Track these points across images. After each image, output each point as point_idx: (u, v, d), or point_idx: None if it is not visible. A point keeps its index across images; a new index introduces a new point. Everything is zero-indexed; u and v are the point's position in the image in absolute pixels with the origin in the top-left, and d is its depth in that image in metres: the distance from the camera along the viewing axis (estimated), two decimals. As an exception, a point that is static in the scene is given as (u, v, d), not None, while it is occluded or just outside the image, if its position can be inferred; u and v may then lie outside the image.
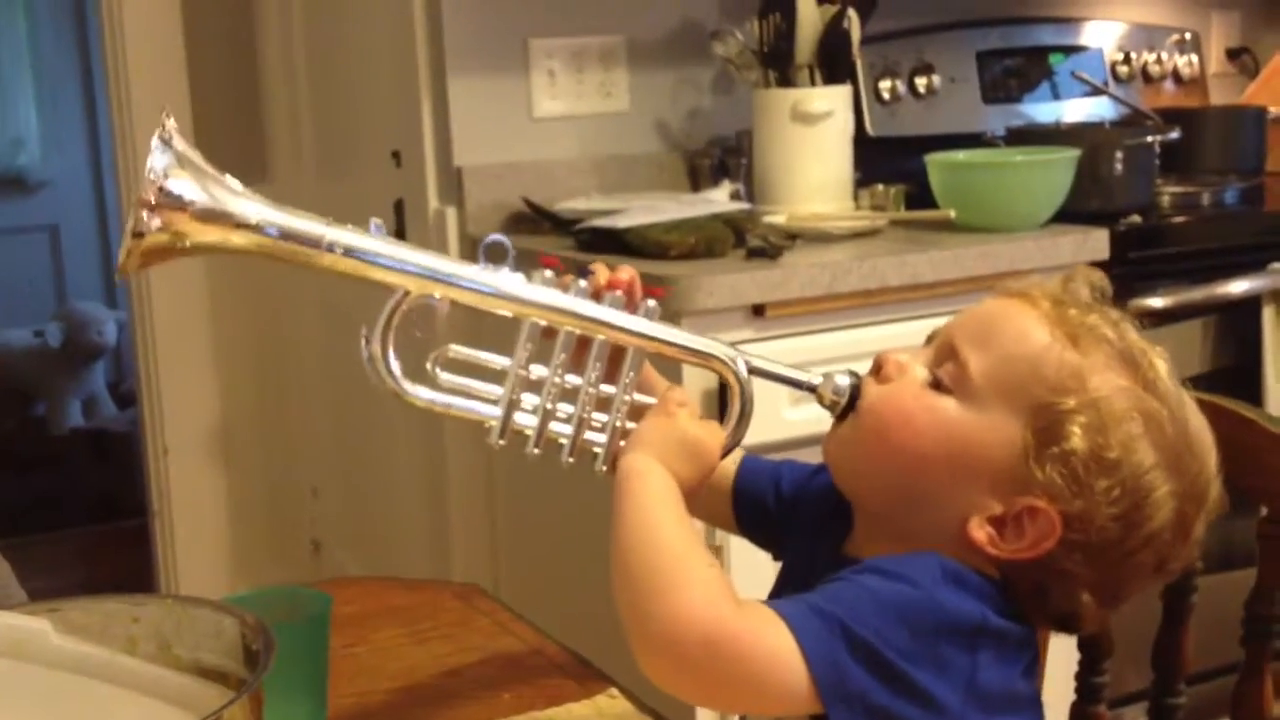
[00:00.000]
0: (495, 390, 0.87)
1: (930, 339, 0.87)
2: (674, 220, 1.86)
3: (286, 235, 0.85)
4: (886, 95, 2.35)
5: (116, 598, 0.86)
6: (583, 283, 0.88)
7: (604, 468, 0.87)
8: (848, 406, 0.86)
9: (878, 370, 0.86)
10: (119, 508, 3.69)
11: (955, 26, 2.43)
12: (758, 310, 1.73)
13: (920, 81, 2.37)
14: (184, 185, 0.82)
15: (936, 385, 0.83)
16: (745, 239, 1.84)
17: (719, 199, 2.06)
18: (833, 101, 2.04)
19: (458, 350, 0.89)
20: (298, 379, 2.84)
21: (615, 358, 0.88)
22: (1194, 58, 2.67)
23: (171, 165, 0.82)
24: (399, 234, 2.33)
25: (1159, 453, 0.79)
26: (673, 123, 2.30)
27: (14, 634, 0.79)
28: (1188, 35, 2.68)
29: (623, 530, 0.80)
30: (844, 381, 0.86)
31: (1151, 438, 0.79)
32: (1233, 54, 2.82)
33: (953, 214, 1.94)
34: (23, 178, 4.79)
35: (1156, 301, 1.87)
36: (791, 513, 0.96)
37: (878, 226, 1.98)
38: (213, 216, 0.82)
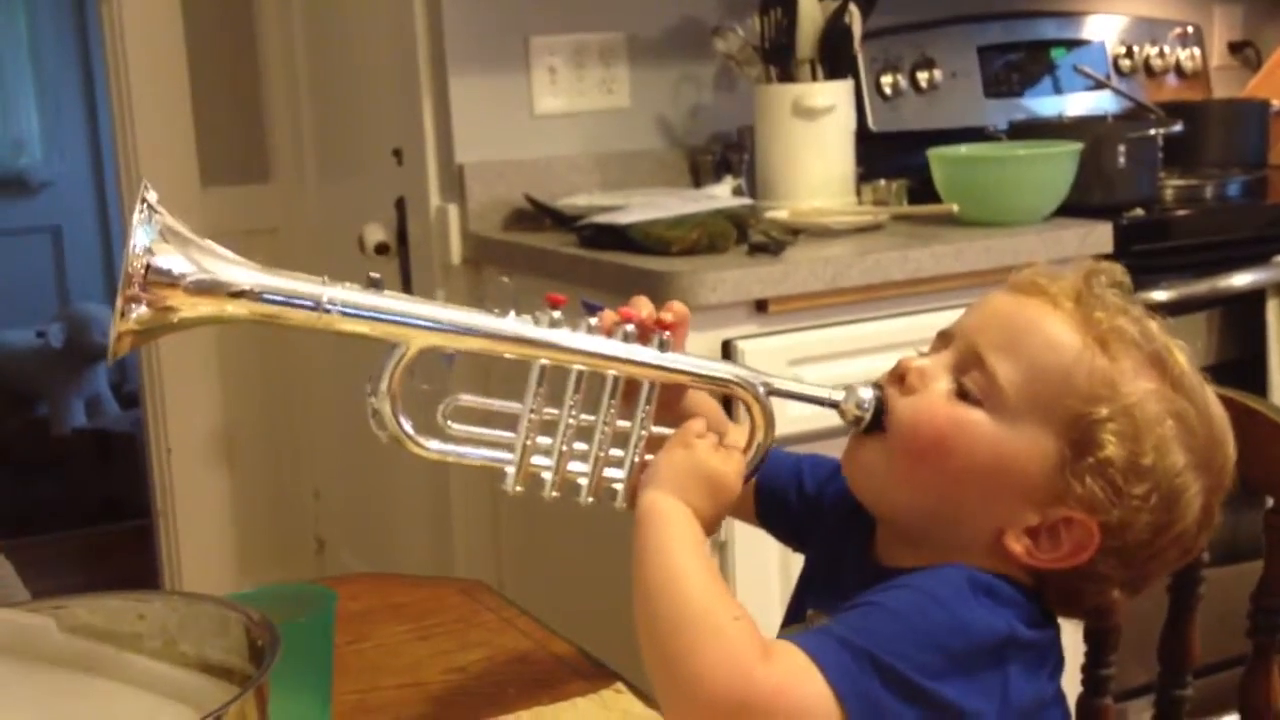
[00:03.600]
0: (508, 435, 0.85)
1: (943, 337, 0.85)
2: (676, 216, 1.85)
3: (284, 299, 0.81)
4: (888, 90, 2.34)
5: (121, 595, 0.86)
6: (593, 320, 0.85)
7: (624, 504, 0.86)
8: (873, 421, 0.84)
9: (900, 379, 0.83)
10: (122, 508, 3.70)
11: (956, 21, 2.43)
12: (760, 306, 1.72)
13: (922, 76, 2.37)
14: (173, 260, 0.78)
15: (963, 395, 0.81)
16: (748, 235, 1.83)
17: (721, 195, 2.06)
18: (834, 97, 2.04)
19: (468, 399, 0.87)
20: (301, 379, 2.84)
21: (630, 392, 0.86)
22: (1196, 51, 2.67)
23: (156, 240, 0.77)
24: (401, 234, 2.33)
25: (1190, 454, 0.79)
26: (674, 119, 2.30)
27: (18, 631, 0.79)
28: (1190, 28, 2.68)
29: (645, 580, 0.79)
30: (867, 394, 0.83)
31: (1183, 439, 0.79)
32: (1235, 47, 2.82)
33: (955, 208, 1.94)
34: (25, 179, 4.80)
35: (1160, 295, 1.87)
36: (814, 510, 0.96)
37: (880, 221, 1.97)
38: (206, 289, 0.78)
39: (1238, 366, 1.99)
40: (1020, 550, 0.79)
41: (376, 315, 0.82)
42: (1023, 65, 2.48)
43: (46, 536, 3.65)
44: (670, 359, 0.86)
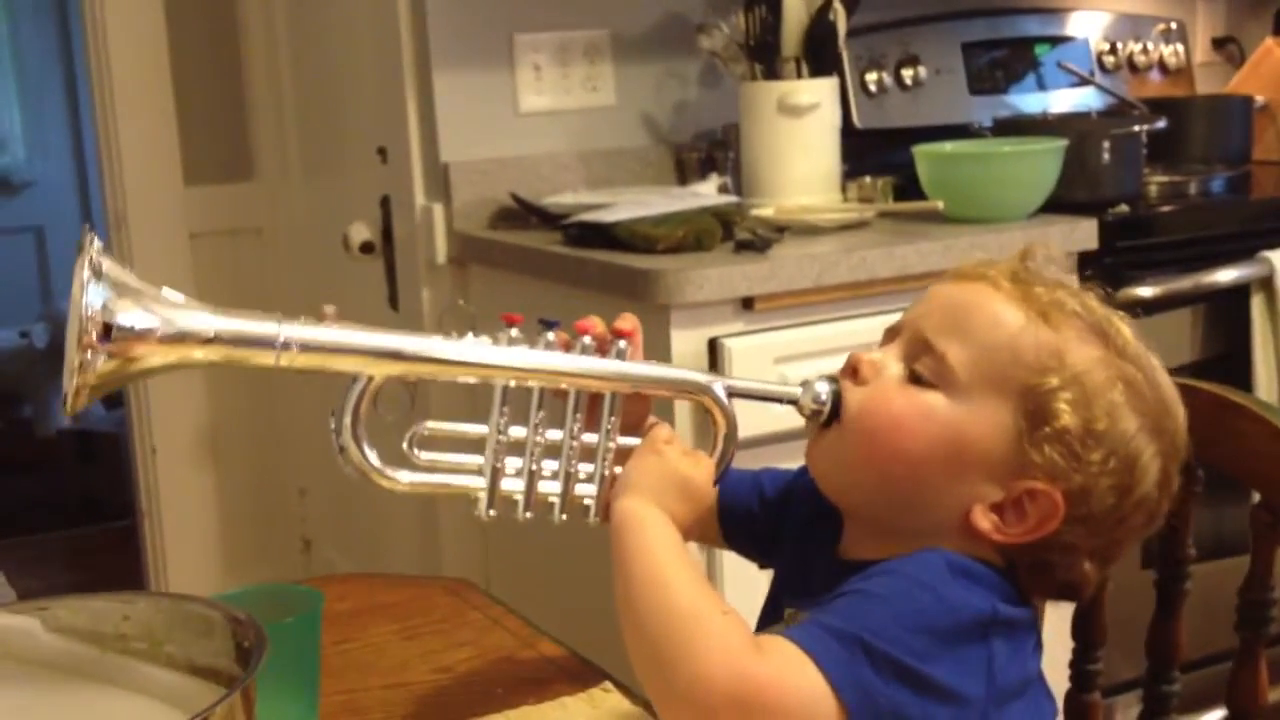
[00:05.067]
0: (477, 460, 0.85)
1: (890, 332, 0.86)
2: (662, 214, 1.85)
3: (239, 341, 0.78)
4: (873, 87, 2.35)
5: (106, 596, 0.85)
6: (550, 335, 0.85)
7: (597, 519, 0.86)
8: (831, 414, 0.84)
9: (853, 372, 0.84)
10: (107, 509, 3.68)
11: (941, 18, 2.43)
12: (747, 303, 1.72)
13: (906, 73, 2.37)
14: (133, 316, 0.76)
15: (916, 380, 0.82)
16: (733, 232, 1.83)
17: (707, 192, 2.06)
18: (819, 94, 2.04)
19: (433, 426, 0.85)
20: (285, 377, 2.83)
21: (594, 405, 0.86)
22: (1180, 47, 2.68)
23: (110, 297, 0.76)
24: (386, 232, 2.33)
25: (1141, 417, 0.80)
26: (659, 116, 2.30)
27: (3, 633, 0.79)
28: (1173, 25, 2.68)
29: (629, 584, 0.78)
30: (824, 388, 0.84)
31: (1133, 404, 0.80)
32: (1218, 43, 2.83)
33: (941, 205, 1.94)
34: (7, 179, 4.78)
35: (1145, 291, 1.87)
36: (778, 518, 0.96)
37: (866, 218, 1.97)
38: (170, 340, 0.77)
39: (1222, 362, 2.00)
40: (988, 527, 0.80)
41: (336, 349, 0.80)
42: (1007, 62, 2.48)
43: (31, 537, 3.64)
44: (629, 367, 0.86)
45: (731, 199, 2.01)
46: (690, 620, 0.75)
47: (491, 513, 0.85)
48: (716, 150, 2.22)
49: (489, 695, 1.00)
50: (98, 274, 0.76)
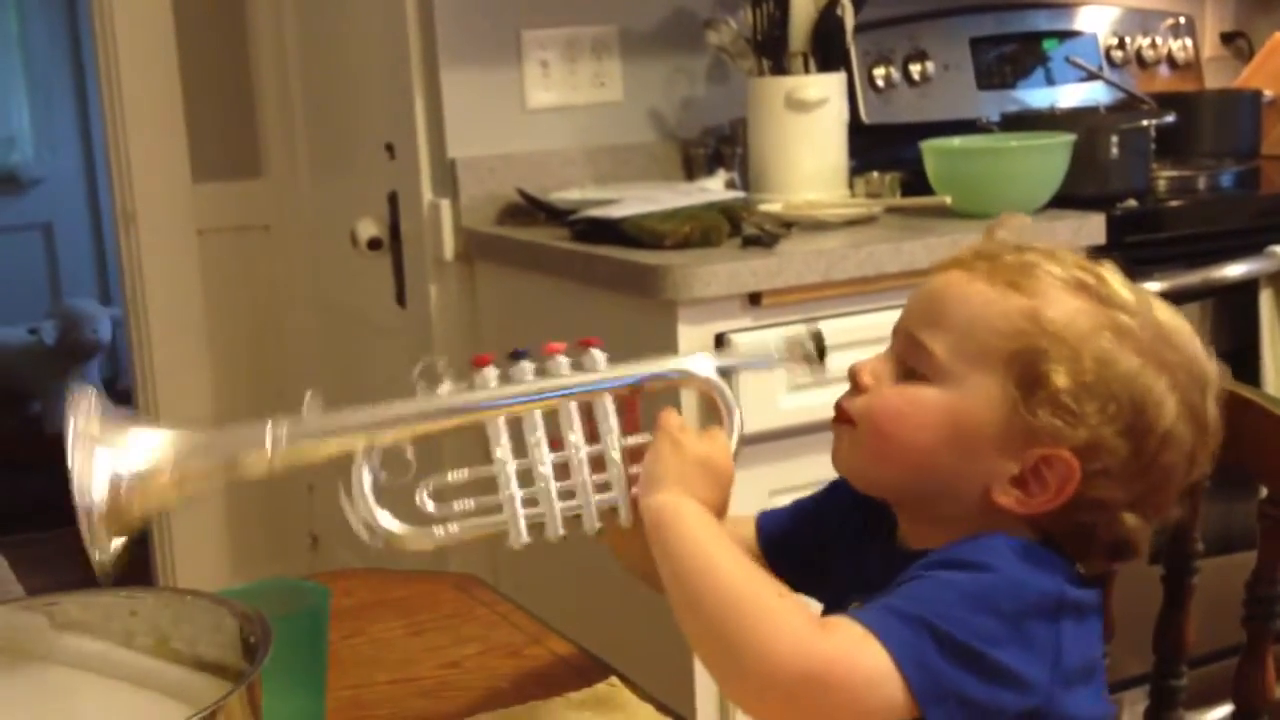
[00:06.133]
0: (493, 499, 0.86)
1: (891, 336, 0.88)
2: (669, 209, 1.85)
3: (231, 458, 0.82)
4: (881, 82, 2.34)
5: (113, 591, 0.86)
6: (524, 363, 0.86)
7: (629, 520, 0.86)
8: (819, 352, 0.87)
9: (855, 384, 0.86)
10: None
11: (949, 13, 2.43)
12: (754, 299, 1.72)
13: (914, 68, 2.37)
14: (126, 485, 0.77)
15: (911, 376, 0.83)
16: (741, 227, 1.83)
17: (714, 188, 2.06)
18: (827, 89, 2.04)
19: (440, 479, 0.86)
20: (293, 375, 2.84)
21: (590, 415, 0.87)
22: (1188, 42, 2.67)
23: (126, 472, 0.77)
24: (393, 228, 2.33)
25: (1140, 356, 0.80)
26: (667, 112, 2.30)
27: (11, 629, 0.79)
28: (1182, 19, 2.68)
29: (680, 579, 0.79)
30: (801, 330, 0.88)
31: (1127, 345, 0.80)
32: (1227, 38, 2.82)
33: (948, 200, 1.94)
34: (16, 176, 4.78)
35: (1153, 285, 1.86)
36: (822, 525, 0.96)
37: (873, 213, 1.97)
38: (173, 482, 0.80)
39: (1231, 357, 1.98)
40: (1011, 502, 0.80)
41: (321, 437, 0.83)
42: (1015, 57, 2.48)
43: (40, 534, 3.65)
44: (618, 369, 0.87)
45: (739, 194, 2.01)
46: (749, 604, 0.76)
47: (526, 540, 0.86)
48: (724, 146, 2.22)
49: (496, 691, 1.00)
50: (103, 442, 0.77)
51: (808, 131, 2.03)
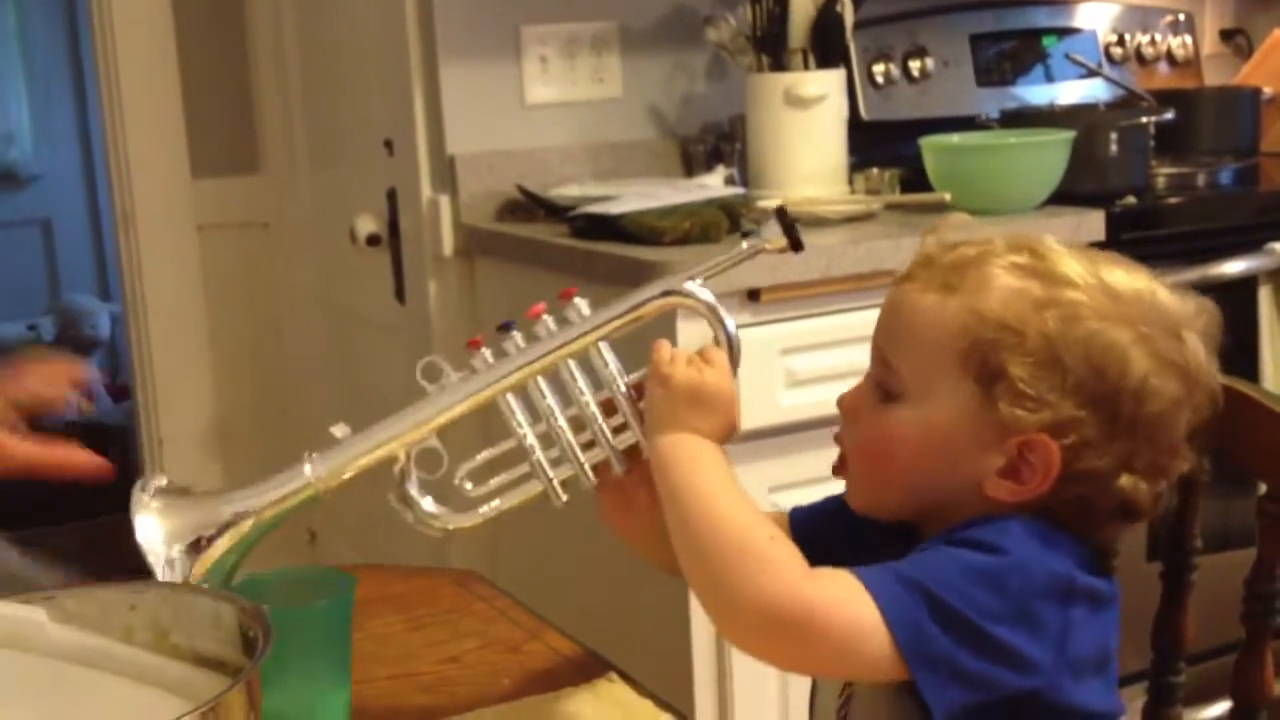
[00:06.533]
0: (524, 468, 0.91)
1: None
2: (668, 206, 1.85)
3: (283, 501, 0.91)
4: (880, 79, 2.34)
5: (113, 586, 0.86)
6: (515, 333, 0.90)
7: (651, 454, 0.88)
8: (789, 227, 0.91)
9: (844, 416, 0.87)
10: (115, 501, 3.68)
11: (948, 10, 2.43)
12: (753, 295, 1.72)
13: (914, 65, 2.37)
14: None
15: (889, 396, 0.84)
16: (740, 224, 1.83)
17: (713, 184, 2.06)
18: (826, 85, 2.04)
19: (471, 463, 0.92)
20: (293, 370, 2.84)
21: (590, 367, 0.90)
22: (1188, 39, 2.67)
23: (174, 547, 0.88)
24: (392, 225, 2.33)
25: (1092, 319, 0.79)
26: (666, 108, 2.29)
27: (10, 624, 0.79)
28: (1181, 16, 2.68)
29: (678, 517, 0.81)
30: (769, 223, 0.90)
31: (1077, 311, 0.79)
32: (1226, 35, 2.82)
33: (948, 197, 1.94)
34: (14, 172, 4.78)
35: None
36: (858, 528, 0.96)
37: (872, 210, 1.97)
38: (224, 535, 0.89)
39: (1229, 353, 1.98)
40: (1005, 494, 0.81)
41: (356, 459, 0.92)
42: (1014, 54, 2.47)
43: (38, 530, 3.65)
44: (600, 313, 0.90)
45: (738, 191, 2.01)
46: (740, 544, 0.77)
47: (564, 498, 0.91)
48: (723, 142, 2.22)
49: (495, 686, 1.00)
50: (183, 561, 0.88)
51: (807, 128, 2.03)
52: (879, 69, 2.34)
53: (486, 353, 0.90)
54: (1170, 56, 2.64)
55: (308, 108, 2.72)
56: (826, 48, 2.05)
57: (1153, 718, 1.11)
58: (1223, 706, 1.09)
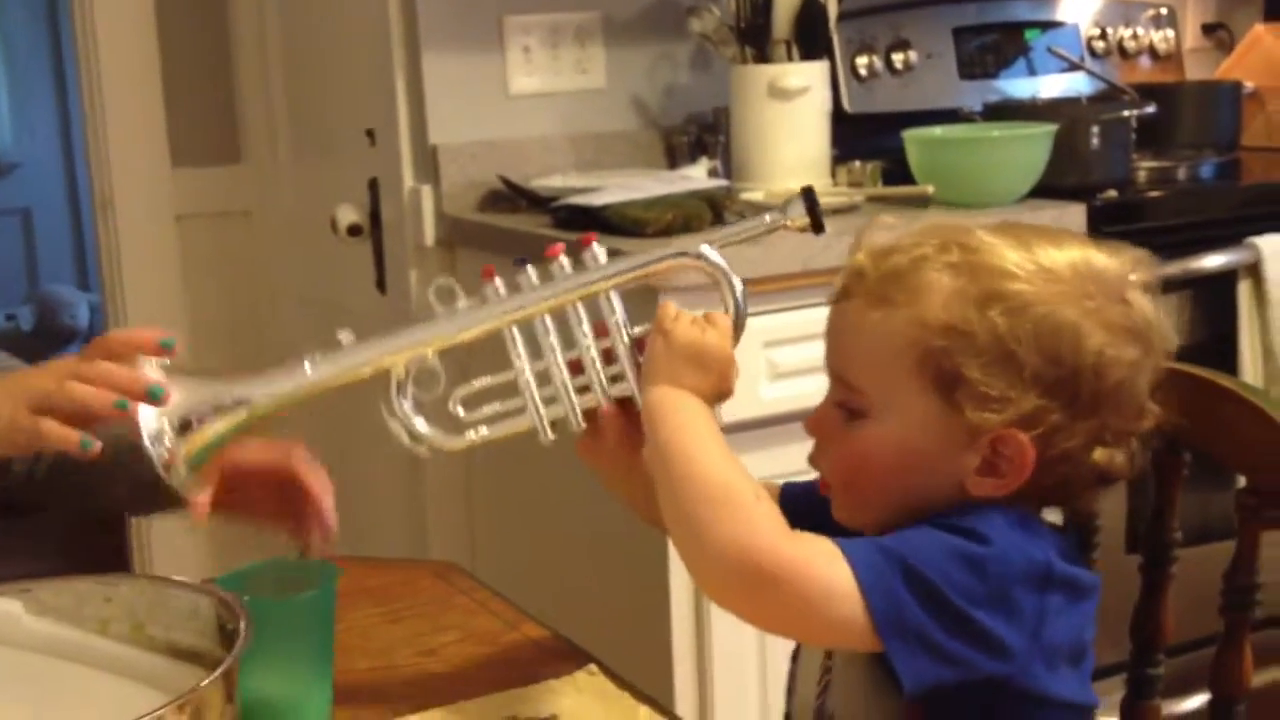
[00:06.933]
0: (517, 402, 0.92)
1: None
2: (651, 198, 1.85)
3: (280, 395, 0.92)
4: (863, 71, 2.34)
5: (89, 578, 0.85)
6: (529, 268, 0.91)
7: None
8: (813, 207, 0.90)
9: (813, 437, 0.87)
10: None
11: (931, 2, 2.43)
12: (735, 287, 1.72)
13: (897, 57, 2.37)
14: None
15: (854, 414, 0.83)
16: (723, 216, 1.83)
17: (696, 176, 2.05)
18: (809, 77, 2.03)
19: (468, 388, 0.93)
20: (272, 361, 2.82)
21: (596, 314, 0.91)
22: (1170, 33, 2.68)
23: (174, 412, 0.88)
24: (374, 215, 2.32)
25: (1037, 306, 0.79)
26: (649, 99, 2.29)
27: (-16, 615, 0.78)
28: (1164, 10, 2.68)
29: (664, 470, 0.82)
30: (794, 203, 0.91)
31: (1020, 298, 0.79)
32: (1208, 29, 2.82)
33: (930, 190, 1.94)
34: (-6, 160, 4.76)
35: (1132, 276, 1.87)
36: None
37: (855, 203, 1.97)
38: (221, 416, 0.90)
39: (1209, 347, 2.00)
40: (989, 489, 0.81)
41: (358, 364, 0.91)
42: (997, 47, 2.48)
43: (18, 523, 3.63)
44: (615, 263, 0.92)
45: (721, 183, 2.00)
46: (722, 496, 0.78)
47: (553, 438, 0.92)
48: (706, 134, 2.22)
49: (475, 678, 1.00)
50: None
51: (790, 120, 2.03)
52: (862, 61, 2.34)
53: (499, 282, 0.91)
54: (1152, 50, 2.65)
55: (289, 97, 2.71)
56: (810, 40, 2.05)
57: (1131, 710, 1.12)
58: (1202, 699, 1.10)
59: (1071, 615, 0.79)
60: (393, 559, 1.27)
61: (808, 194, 0.91)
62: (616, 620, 1.82)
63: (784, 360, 1.73)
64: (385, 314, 2.32)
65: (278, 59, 2.71)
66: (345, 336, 0.91)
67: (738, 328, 0.91)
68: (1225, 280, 1.98)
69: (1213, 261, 1.96)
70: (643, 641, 1.78)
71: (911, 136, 2.01)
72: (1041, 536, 0.80)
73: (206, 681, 0.68)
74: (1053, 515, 0.88)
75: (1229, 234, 1.99)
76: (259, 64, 2.74)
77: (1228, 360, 1.97)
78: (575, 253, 0.93)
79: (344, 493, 2.98)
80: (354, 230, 2.35)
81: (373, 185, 2.32)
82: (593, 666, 1.01)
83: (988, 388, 0.78)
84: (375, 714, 0.94)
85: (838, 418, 0.84)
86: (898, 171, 2.06)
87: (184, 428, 0.87)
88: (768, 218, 0.93)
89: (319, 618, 0.91)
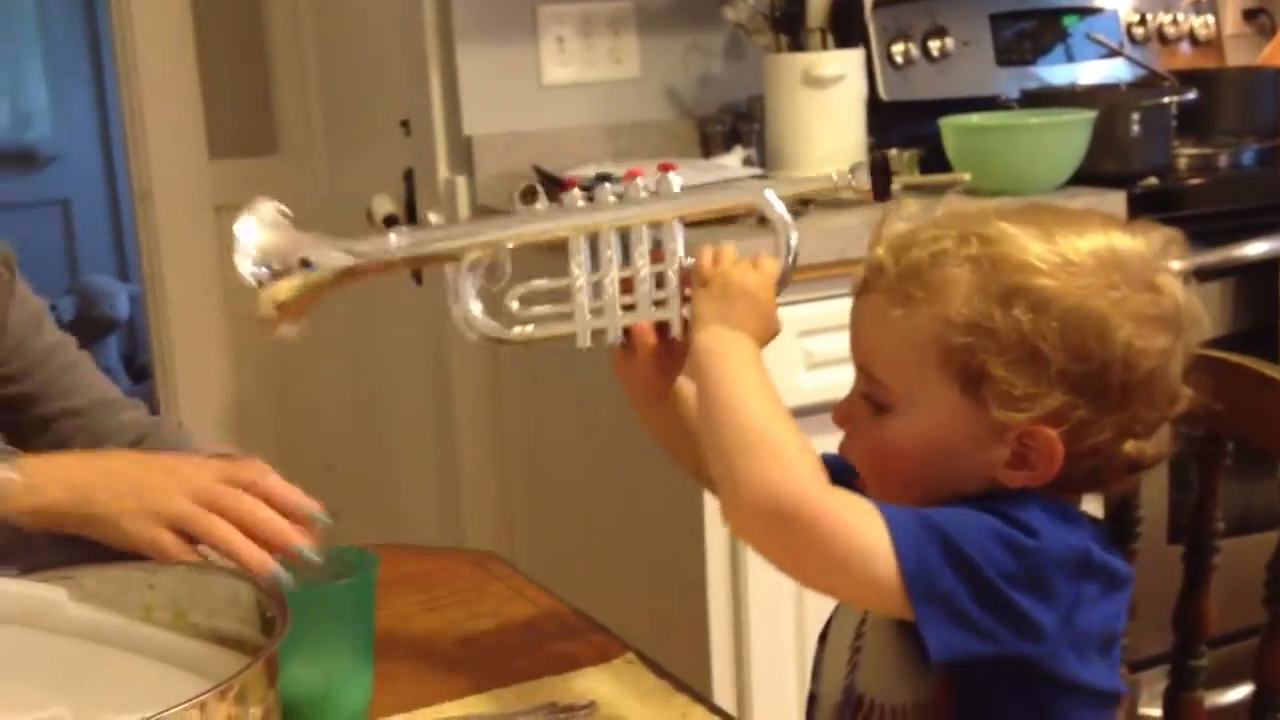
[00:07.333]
0: (566, 308, 0.97)
1: None
2: (686, 187, 1.84)
3: (363, 254, 0.97)
4: (899, 59, 2.32)
5: (132, 565, 0.86)
6: (607, 185, 0.96)
7: (679, 334, 0.93)
8: (877, 177, 0.94)
9: (841, 428, 0.87)
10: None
11: (968, -11, 2.41)
12: (771, 276, 1.71)
13: (933, 45, 2.35)
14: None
15: (880, 407, 0.83)
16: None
17: (731, 165, 2.05)
18: (845, 65, 2.02)
19: (526, 286, 0.98)
20: (311, 351, 2.84)
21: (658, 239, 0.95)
22: (1210, 19, 2.64)
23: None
24: (409, 205, 2.33)
25: (1062, 301, 0.77)
26: (683, 89, 2.28)
27: (29, 602, 0.79)
28: (1204, -4, 2.65)
29: (708, 405, 0.82)
30: (860, 171, 0.96)
31: (1044, 298, 0.77)
32: (1249, 15, 2.79)
33: (967, 178, 1.92)
34: (33, 152, 4.79)
35: (1174, 264, 1.85)
36: None
37: (892, 191, 1.96)
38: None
39: (1251, 335, 1.98)
40: (1023, 479, 0.79)
41: (437, 244, 0.97)
42: (1035, 33, 2.45)
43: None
44: (683, 198, 0.95)
45: (756, 172, 2.00)
46: (761, 436, 0.78)
47: (588, 344, 0.96)
48: (741, 123, 2.21)
49: (512, 666, 1.00)
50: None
51: (825, 108, 2.02)
52: (898, 49, 2.32)
53: (576, 192, 0.96)
54: (1192, 36, 2.62)
55: (325, 88, 2.72)
56: (845, 27, 2.04)
57: (1174, 701, 1.11)
58: (1245, 690, 1.09)
59: (1106, 604, 0.78)
60: (432, 547, 1.28)
61: (879, 161, 0.93)
62: (654, 609, 1.82)
63: (820, 350, 1.72)
64: (421, 305, 2.33)
65: (313, 50, 2.72)
66: (434, 217, 0.98)
67: (784, 278, 0.93)
68: (1267, 268, 1.96)
69: (1255, 249, 1.94)
70: (680, 630, 1.78)
71: (949, 124, 2.00)
72: (1079, 525, 0.79)
73: (248, 667, 0.69)
74: (1091, 503, 0.88)
75: (1271, 221, 1.97)
76: (294, 55, 2.76)
77: (1270, 348, 1.95)
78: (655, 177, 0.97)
79: (383, 485, 3.01)
80: (389, 221, 2.36)
81: (408, 176, 2.32)
82: (630, 655, 1.01)
83: (1012, 386, 0.77)
84: (414, 701, 0.95)
85: (864, 409, 0.84)
86: (934, 160, 2.04)
87: (277, 273, 0.95)
88: (835, 175, 0.96)
89: (356, 606, 0.91)
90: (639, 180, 0.96)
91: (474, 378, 2.23)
